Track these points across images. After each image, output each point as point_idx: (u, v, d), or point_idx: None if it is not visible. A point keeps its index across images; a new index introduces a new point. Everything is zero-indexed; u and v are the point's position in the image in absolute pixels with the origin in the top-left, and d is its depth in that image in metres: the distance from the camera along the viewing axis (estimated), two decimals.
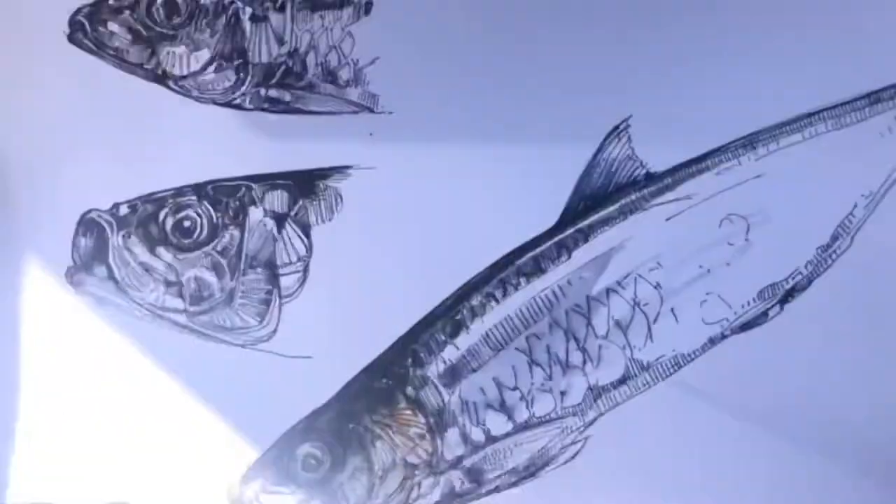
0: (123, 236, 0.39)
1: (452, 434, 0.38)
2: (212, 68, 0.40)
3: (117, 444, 0.39)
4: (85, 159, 0.40)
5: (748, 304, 0.38)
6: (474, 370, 0.38)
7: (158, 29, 0.40)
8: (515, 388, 0.38)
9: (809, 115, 0.38)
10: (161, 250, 0.39)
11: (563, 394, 0.38)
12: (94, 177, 0.40)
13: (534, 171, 0.39)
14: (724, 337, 0.38)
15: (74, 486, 0.38)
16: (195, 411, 0.39)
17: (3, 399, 0.39)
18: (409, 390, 0.38)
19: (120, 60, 0.40)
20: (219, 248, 0.39)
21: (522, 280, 0.38)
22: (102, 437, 0.39)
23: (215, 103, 0.40)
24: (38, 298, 0.40)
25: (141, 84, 0.40)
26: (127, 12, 0.40)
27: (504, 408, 0.38)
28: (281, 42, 0.40)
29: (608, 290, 0.38)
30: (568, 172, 0.39)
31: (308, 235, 0.39)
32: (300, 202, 0.39)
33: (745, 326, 0.38)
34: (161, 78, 0.40)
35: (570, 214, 0.38)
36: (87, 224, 0.40)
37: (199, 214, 0.39)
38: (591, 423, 0.37)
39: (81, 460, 0.39)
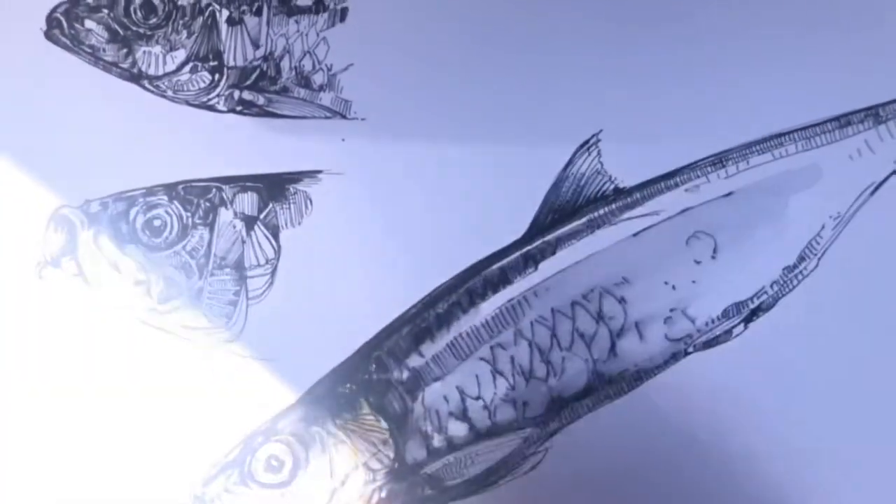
0: (94, 233, 0.40)
1: (414, 441, 0.38)
2: (187, 69, 0.40)
3: (80, 439, 0.39)
4: (57, 155, 0.40)
5: (712, 321, 0.38)
6: (438, 378, 0.38)
7: (135, 28, 0.40)
8: (478, 398, 0.38)
9: (780, 135, 0.39)
10: (131, 248, 0.40)
11: (525, 404, 0.38)
12: (66, 173, 0.40)
13: (504, 182, 0.39)
14: (687, 353, 0.38)
15: (32, 483, 0.39)
16: (159, 410, 0.39)
17: None
18: (373, 396, 0.38)
19: (96, 59, 0.40)
20: (188, 248, 0.39)
21: (489, 290, 0.38)
22: (66, 432, 0.39)
23: (189, 104, 0.40)
24: (7, 293, 0.40)
25: (115, 83, 0.40)
26: (104, 11, 0.40)
27: (466, 417, 0.38)
28: (256, 45, 0.40)
29: (573, 303, 0.38)
30: (538, 183, 0.39)
31: (277, 238, 0.39)
32: (270, 205, 0.40)
33: (709, 344, 0.38)
34: (136, 77, 0.40)
35: (538, 226, 0.39)
36: (58, 220, 0.40)
37: (169, 214, 0.40)
38: (553, 434, 0.38)
39: (43, 456, 0.39)
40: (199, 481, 0.38)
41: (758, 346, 0.38)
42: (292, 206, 0.39)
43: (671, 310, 0.38)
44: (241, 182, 0.40)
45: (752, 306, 0.38)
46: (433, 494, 0.38)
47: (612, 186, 0.39)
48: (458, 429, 0.38)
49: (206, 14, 0.40)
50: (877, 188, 0.39)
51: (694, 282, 0.38)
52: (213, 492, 0.38)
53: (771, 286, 0.38)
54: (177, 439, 0.39)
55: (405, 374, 0.38)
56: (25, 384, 0.40)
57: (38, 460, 0.39)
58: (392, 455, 0.38)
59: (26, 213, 0.40)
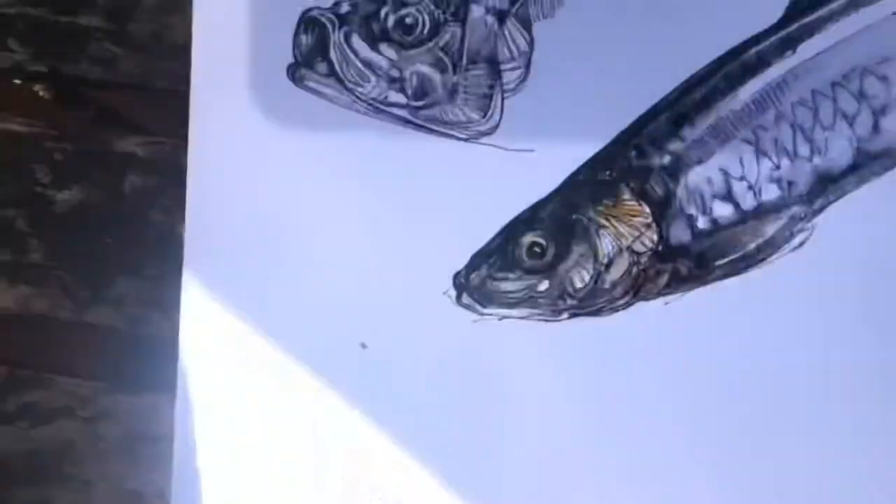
0: (345, 34, 0.40)
1: (678, 223, 0.38)
2: None
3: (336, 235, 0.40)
4: None
5: None
6: (700, 161, 0.38)
7: None
8: (742, 178, 0.38)
9: None
10: (383, 47, 0.40)
11: (790, 184, 0.38)
12: None
13: None
14: None
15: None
16: (420, 204, 0.40)
17: None
18: (633, 182, 0.38)
19: None
20: (441, 45, 0.40)
21: (747, 74, 0.38)
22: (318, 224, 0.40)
23: None
24: (261, 95, 0.41)
25: None
26: None
27: (731, 197, 0.38)
28: None
29: (833, 84, 0.38)
30: None
31: (529, 30, 0.40)
32: None
33: None
34: None
35: (796, 7, 0.39)
36: (308, 22, 0.40)
37: (420, 11, 0.40)
38: (820, 211, 0.38)
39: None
40: (462, 270, 0.39)
41: None
42: None
43: None
44: None
45: None
46: (700, 273, 0.38)
47: None
48: (723, 209, 0.38)
49: None
50: None
51: None
52: (478, 279, 0.39)
53: None
54: (438, 232, 0.39)
55: (666, 159, 0.38)
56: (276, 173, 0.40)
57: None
58: (656, 238, 0.38)
59: (276, 17, 0.40)
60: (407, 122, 0.40)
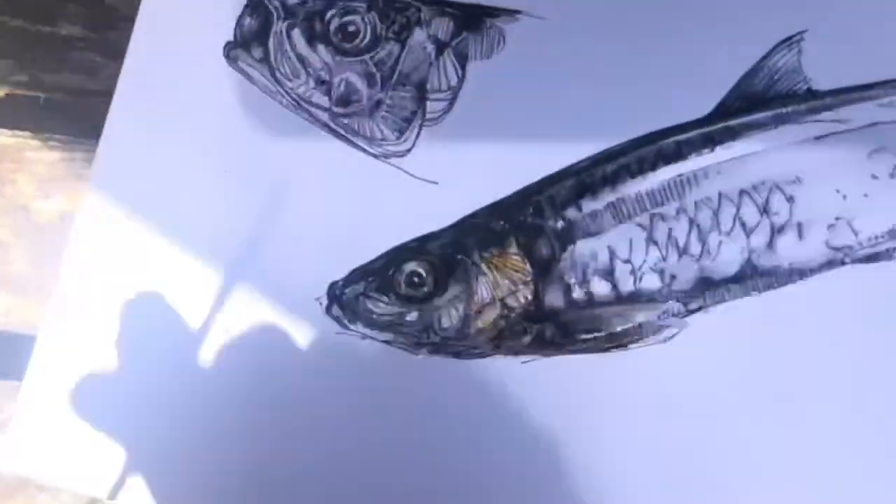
0: (288, 25, 0.40)
1: (555, 288, 0.38)
2: None
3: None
4: None
5: (876, 238, 0.38)
6: (591, 235, 0.38)
7: None
8: (627, 262, 0.38)
9: None
10: (320, 47, 0.40)
11: (672, 278, 0.38)
12: None
13: (697, 60, 0.39)
14: (843, 264, 0.38)
15: None
16: (316, 207, 0.40)
17: None
18: (523, 238, 0.39)
19: None
20: (375, 59, 0.40)
21: (660, 161, 0.38)
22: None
23: None
24: (194, 70, 0.41)
25: None
26: None
27: (611, 277, 0.38)
28: None
29: (742, 191, 0.38)
30: (730, 72, 0.39)
31: (464, 67, 0.40)
32: (464, 34, 0.40)
33: (869, 259, 0.38)
34: None
35: (724, 110, 0.39)
36: (256, 5, 0.41)
37: (365, 22, 0.40)
38: (694, 311, 0.38)
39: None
40: (339, 282, 0.39)
41: None
42: (485, 39, 0.40)
43: (836, 218, 0.38)
44: (441, 6, 0.40)
45: None
46: (563, 342, 0.38)
47: (805, 87, 0.39)
48: (600, 286, 0.38)
49: None
50: None
51: (866, 195, 0.38)
52: (352, 294, 0.39)
53: None
54: (328, 238, 0.40)
55: (559, 224, 0.38)
56: (202, 158, 0.41)
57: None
58: (530, 297, 0.38)
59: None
60: (324, 124, 0.40)
